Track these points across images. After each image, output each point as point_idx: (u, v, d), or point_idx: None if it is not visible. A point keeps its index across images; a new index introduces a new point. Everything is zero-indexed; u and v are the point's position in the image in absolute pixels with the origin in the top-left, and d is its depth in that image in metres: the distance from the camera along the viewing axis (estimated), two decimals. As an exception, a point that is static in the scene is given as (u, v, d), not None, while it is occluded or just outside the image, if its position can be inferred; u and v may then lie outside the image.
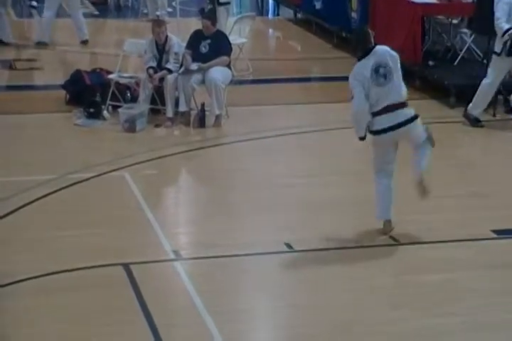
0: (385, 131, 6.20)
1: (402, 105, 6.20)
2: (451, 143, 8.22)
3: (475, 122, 9.09)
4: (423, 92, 10.34)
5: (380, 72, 6.15)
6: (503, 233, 6.49)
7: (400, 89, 6.22)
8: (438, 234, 6.45)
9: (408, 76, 10.50)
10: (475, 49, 10.75)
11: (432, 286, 5.73)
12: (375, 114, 6.22)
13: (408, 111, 6.22)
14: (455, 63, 10.62)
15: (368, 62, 6.19)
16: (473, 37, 10.73)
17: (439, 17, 11.26)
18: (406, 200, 7.00)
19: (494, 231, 6.52)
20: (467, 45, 10.80)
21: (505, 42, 8.75)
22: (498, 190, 6.76)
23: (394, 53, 6.27)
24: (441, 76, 10.26)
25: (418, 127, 6.28)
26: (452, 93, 9.81)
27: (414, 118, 6.22)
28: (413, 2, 10.81)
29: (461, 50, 10.80)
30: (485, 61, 9.81)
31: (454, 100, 9.75)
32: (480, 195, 6.56)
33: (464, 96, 9.64)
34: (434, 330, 5.22)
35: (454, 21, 11.28)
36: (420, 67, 10.53)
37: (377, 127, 6.23)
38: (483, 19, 9.84)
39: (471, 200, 6.49)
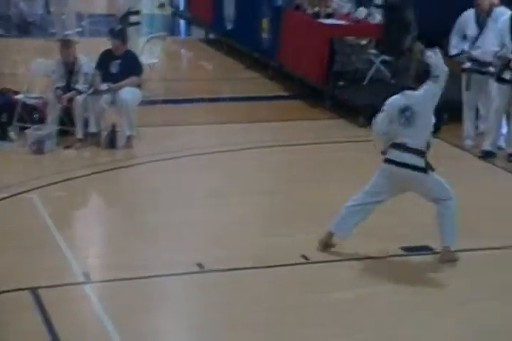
0: (389, 162, 6.30)
1: (414, 151, 6.24)
2: (359, 162, 8.34)
3: None
4: (333, 112, 10.49)
5: (405, 114, 6.23)
6: (411, 250, 6.59)
7: (421, 137, 6.25)
8: (348, 252, 6.50)
9: (318, 96, 10.82)
10: (383, 69, 10.96)
11: (342, 304, 5.76)
12: (391, 145, 6.31)
13: (416, 160, 6.24)
14: (364, 83, 10.81)
15: (400, 100, 6.26)
16: (381, 57, 10.94)
17: (348, 38, 11.46)
18: (316, 218, 7.09)
19: (403, 249, 6.62)
20: (375, 65, 11.01)
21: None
22: (406, 208, 6.87)
23: (426, 97, 6.25)
24: (351, 96, 10.43)
25: (427, 181, 6.26)
26: (361, 113, 9.96)
27: (418, 169, 6.23)
28: (322, 23, 10.98)
29: (369, 71, 11.00)
30: (393, 81, 10.00)
31: (363, 120, 9.89)
32: (389, 212, 6.65)
33: (373, 115, 9.78)
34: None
35: (363, 42, 11.50)
36: (330, 88, 10.68)
37: (388, 156, 6.33)
38: (390, 40, 10.07)
39: (380, 218, 6.57)
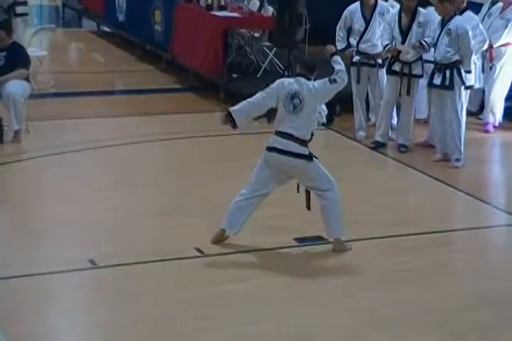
0: (272, 149, 6.26)
1: (299, 141, 6.22)
2: (253, 154, 8.32)
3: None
4: (227, 104, 10.35)
5: (293, 101, 6.19)
6: (303, 241, 6.62)
7: (306, 127, 6.23)
8: (242, 244, 6.49)
9: (213, 88, 10.77)
10: (277, 61, 11.01)
11: (234, 296, 5.75)
12: (275, 133, 6.28)
13: (300, 148, 6.22)
14: (258, 75, 10.82)
15: (292, 84, 6.22)
16: (274, 50, 10.98)
17: (241, 30, 11.46)
18: (209, 210, 7.05)
19: (296, 239, 6.64)
20: (269, 57, 11.03)
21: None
22: (297, 199, 6.90)
23: (318, 91, 6.23)
24: (245, 88, 10.38)
25: (310, 169, 6.26)
26: (255, 105, 9.95)
27: (302, 156, 6.22)
28: (215, 15, 10.93)
29: (263, 63, 11.02)
30: (286, 73, 10.03)
31: (257, 112, 9.90)
32: (279, 203, 6.67)
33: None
34: (241, 339, 5.23)
35: (256, 35, 11.52)
36: (224, 80, 10.65)
37: (269, 144, 6.30)
38: (282, 33, 10.11)
39: (270, 209, 6.58)
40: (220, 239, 6.51)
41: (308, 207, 6.45)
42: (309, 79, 6.31)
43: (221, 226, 6.49)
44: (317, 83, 6.28)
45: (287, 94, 6.23)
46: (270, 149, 6.31)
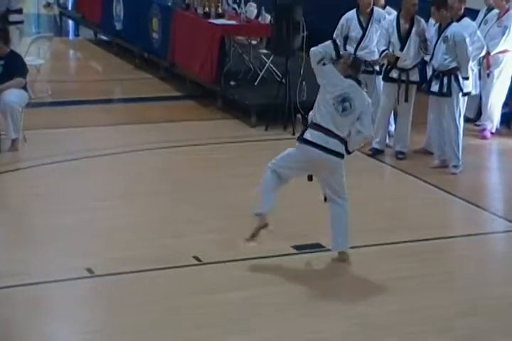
0: (311, 144, 6.16)
1: (342, 140, 6.21)
2: (252, 161, 8.34)
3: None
4: (225, 112, 10.47)
5: (344, 104, 6.18)
6: (302, 248, 6.61)
7: (348, 129, 6.22)
8: (239, 252, 6.48)
9: (210, 96, 10.77)
10: (274, 69, 11.01)
11: (232, 304, 5.74)
12: (314, 125, 6.20)
13: (341, 147, 6.21)
14: (256, 83, 10.82)
15: (344, 83, 6.20)
16: (272, 57, 10.98)
17: (239, 38, 11.46)
18: (208, 218, 7.04)
19: (294, 247, 6.62)
20: (267, 65, 11.03)
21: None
22: (297, 208, 6.88)
23: (366, 96, 6.31)
24: (243, 96, 10.42)
25: (340, 171, 6.25)
26: (253, 112, 9.98)
27: (340, 155, 6.21)
28: (213, 23, 10.94)
29: (261, 71, 11.02)
30: (283, 81, 10.04)
31: (255, 119, 9.93)
32: (278, 211, 6.65)
33: (264, 115, 9.84)
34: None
35: (254, 42, 11.52)
36: (222, 88, 10.65)
37: (307, 137, 6.20)
38: (280, 41, 10.10)
39: (268, 217, 6.56)
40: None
41: None
42: (358, 80, 6.30)
43: None
44: (367, 101, 6.30)
45: (339, 95, 6.19)
46: (309, 143, 6.19)
